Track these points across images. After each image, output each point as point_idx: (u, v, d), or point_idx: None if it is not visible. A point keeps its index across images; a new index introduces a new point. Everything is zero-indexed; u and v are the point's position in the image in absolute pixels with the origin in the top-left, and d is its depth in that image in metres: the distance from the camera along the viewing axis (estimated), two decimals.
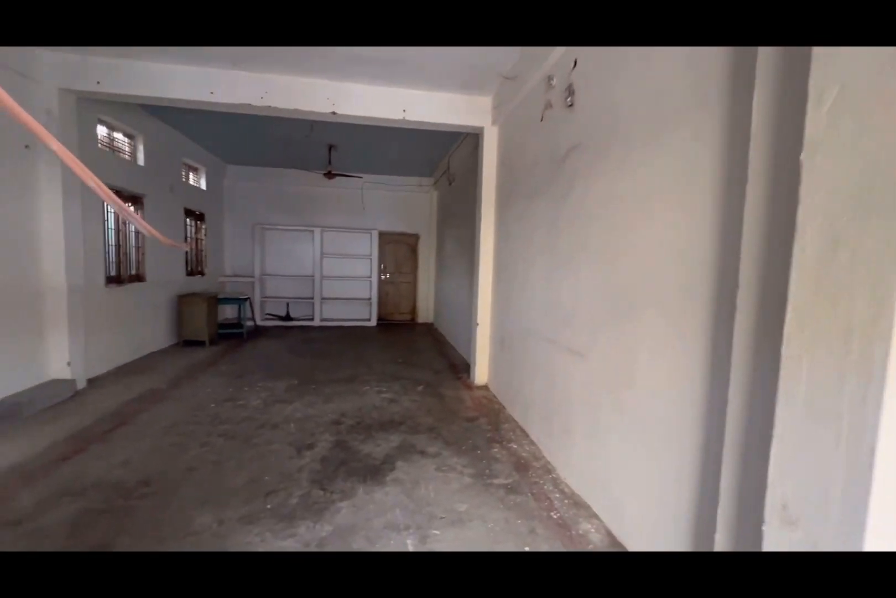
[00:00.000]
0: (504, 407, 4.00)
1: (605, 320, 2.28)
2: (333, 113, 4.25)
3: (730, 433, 1.28)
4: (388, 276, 9.14)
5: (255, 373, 4.99)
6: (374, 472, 2.75)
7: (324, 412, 3.79)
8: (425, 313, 9.35)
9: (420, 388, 4.55)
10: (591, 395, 2.40)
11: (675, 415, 1.72)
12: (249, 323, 7.72)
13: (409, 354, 6.27)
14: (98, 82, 3.78)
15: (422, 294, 9.34)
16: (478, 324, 4.60)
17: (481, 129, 4.57)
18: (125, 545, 2.03)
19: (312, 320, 8.52)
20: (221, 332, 6.80)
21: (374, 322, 8.71)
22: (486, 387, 4.63)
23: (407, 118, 4.39)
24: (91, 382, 4.40)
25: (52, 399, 3.79)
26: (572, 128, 2.73)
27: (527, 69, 3.39)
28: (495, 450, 3.11)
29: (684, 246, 1.71)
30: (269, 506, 2.35)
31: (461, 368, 5.42)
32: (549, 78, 3.09)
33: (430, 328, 8.71)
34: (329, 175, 6.60)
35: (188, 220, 6.83)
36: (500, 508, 2.39)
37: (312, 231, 8.49)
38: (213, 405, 3.90)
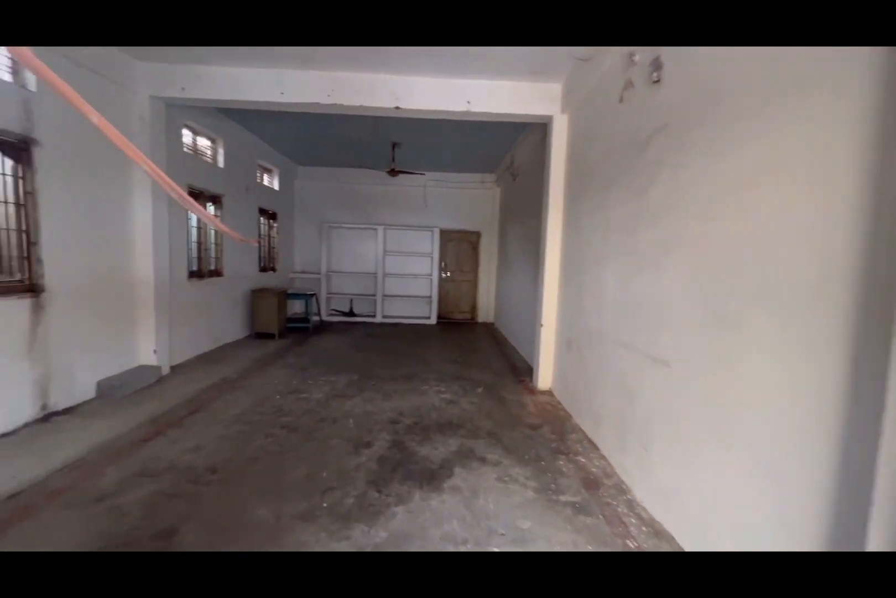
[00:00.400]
0: (570, 415, 3.72)
1: (698, 326, 1.97)
2: (397, 108, 4.20)
3: (886, 467, 0.99)
4: (448, 274, 9.07)
5: (319, 367, 5.11)
6: (431, 477, 2.64)
7: (382, 410, 3.76)
8: (485, 312, 9.17)
9: (480, 390, 4.39)
10: (678, 409, 2.10)
11: (798, 439, 1.41)
12: (315, 318, 8.00)
13: (468, 353, 6.13)
14: (183, 88, 4.03)
15: (482, 293, 9.16)
16: (542, 325, 4.34)
17: (549, 118, 4.30)
18: (189, 530, 2.08)
19: (374, 316, 8.67)
20: (290, 325, 7.10)
21: (433, 320, 8.68)
22: (549, 392, 4.36)
23: (471, 110, 4.24)
24: (174, 368, 4.73)
25: (140, 383, 4.11)
26: (658, 106, 2.42)
27: (604, 48, 3.09)
28: (561, 462, 2.87)
29: (812, 236, 1.39)
30: (325, 504, 2.32)
31: (523, 370, 5.18)
32: (631, 54, 2.79)
33: (490, 328, 8.52)
34: (392, 173, 6.63)
35: (262, 218, 7.21)
36: (568, 529, 2.16)
37: (376, 229, 8.63)
38: (278, 397, 4.02)
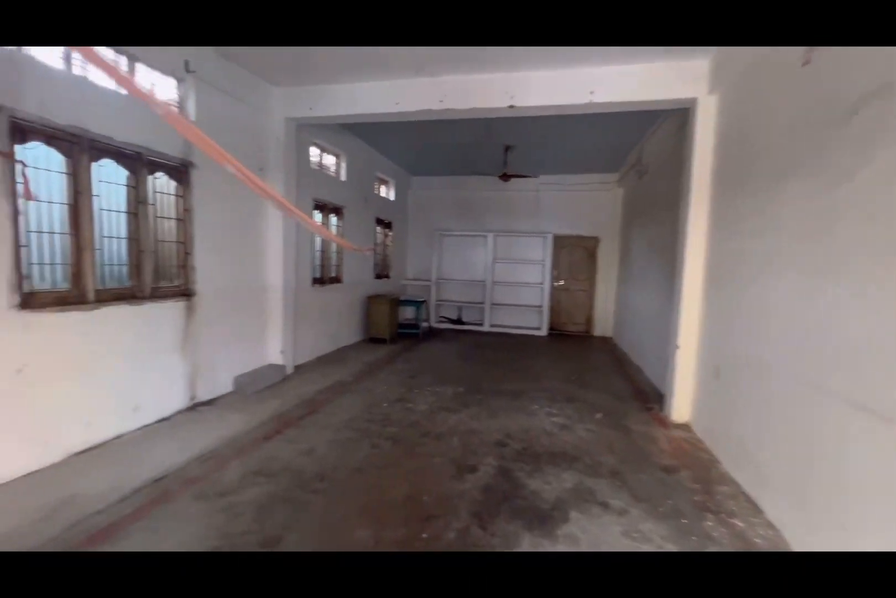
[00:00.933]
0: (717, 460, 3.02)
1: None
2: (511, 106, 3.95)
3: None
4: (561, 282, 8.50)
5: (426, 375, 5.07)
6: (543, 519, 2.29)
7: (488, 429, 3.50)
8: (603, 324, 8.37)
9: (599, 416, 3.87)
10: None
11: None
12: (425, 324, 8.12)
13: (584, 371, 5.56)
14: (310, 108, 4.33)
15: (600, 304, 8.39)
16: (678, 346, 3.66)
17: (692, 101, 3.65)
18: (292, 541, 2.06)
19: (482, 324, 8.50)
20: (401, 331, 7.28)
21: (544, 331, 8.19)
22: (687, 426, 3.65)
23: (594, 101, 3.80)
24: (297, 368, 5.09)
25: (268, 381, 4.47)
26: (871, 60, 1.77)
27: None
28: (709, 523, 2.28)
29: None
30: (425, 535, 2.13)
31: (651, 396, 4.48)
32: None
33: (608, 343, 7.73)
34: (504, 177, 6.40)
35: (378, 228, 7.55)
36: None
37: (485, 236, 8.48)
38: (385, 405, 4.02)
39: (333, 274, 6.11)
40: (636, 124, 5.23)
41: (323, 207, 5.65)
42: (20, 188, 2.43)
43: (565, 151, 6.55)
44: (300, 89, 4.33)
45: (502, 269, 8.57)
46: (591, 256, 8.41)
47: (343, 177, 6.15)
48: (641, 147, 6.03)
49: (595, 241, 8.35)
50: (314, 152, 5.49)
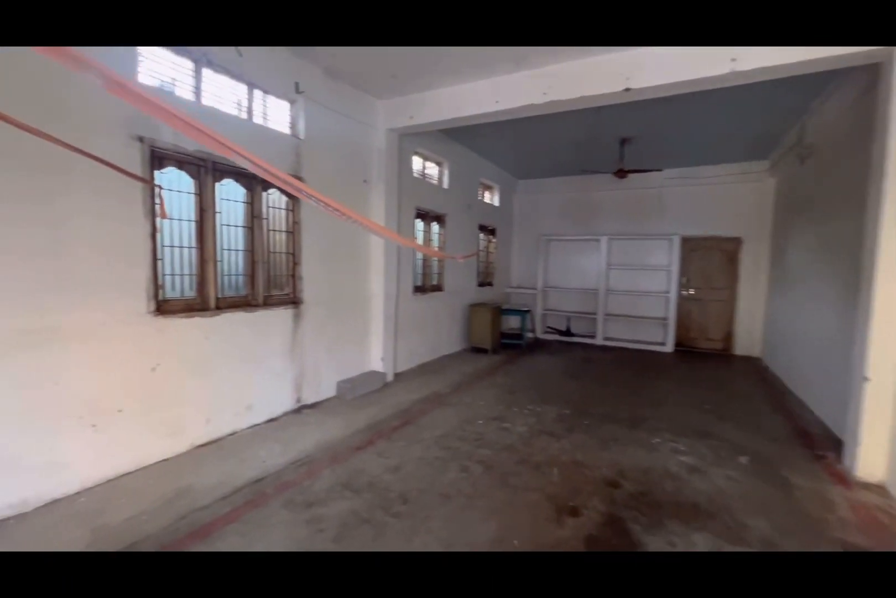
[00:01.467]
0: None
1: None
2: (626, 90, 3.43)
3: None
4: (691, 291, 7.34)
5: (527, 391, 4.68)
6: None
7: (596, 463, 3.00)
8: (747, 342, 6.98)
9: (744, 460, 3.08)
10: None
11: None
12: (529, 335, 7.68)
13: (722, 399, 4.61)
14: (411, 117, 4.33)
15: (743, 317, 7.02)
16: (868, 378, 2.72)
17: (889, 52, 2.73)
18: None
19: (594, 337, 7.75)
20: (504, 342, 6.97)
21: (669, 348, 7.13)
22: (881, 489, 2.68)
23: (737, 69, 3.09)
24: (397, 376, 5.12)
25: (368, 388, 4.54)
26: None
27: None
28: None
29: None
30: None
31: (821, 441, 3.47)
32: None
33: (755, 365, 6.39)
34: (621, 174, 5.72)
35: (481, 234, 7.38)
36: None
37: (598, 240, 7.74)
38: (480, 422, 3.76)
39: (435, 282, 6.08)
40: (795, 95, 4.21)
41: (425, 215, 5.66)
42: (157, 209, 2.75)
43: (695, 138, 5.62)
44: (401, 99, 4.37)
45: (618, 276, 7.73)
46: (732, 260, 7.10)
47: (445, 184, 6.12)
48: (803, 124, 4.87)
49: (736, 242, 7.03)
50: (417, 161, 5.55)
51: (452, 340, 6.56)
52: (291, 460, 3.01)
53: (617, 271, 7.72)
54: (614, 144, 5.80)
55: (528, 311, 7.11)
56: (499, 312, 6.78)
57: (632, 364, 6.18)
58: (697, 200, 7.13)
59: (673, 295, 7.11)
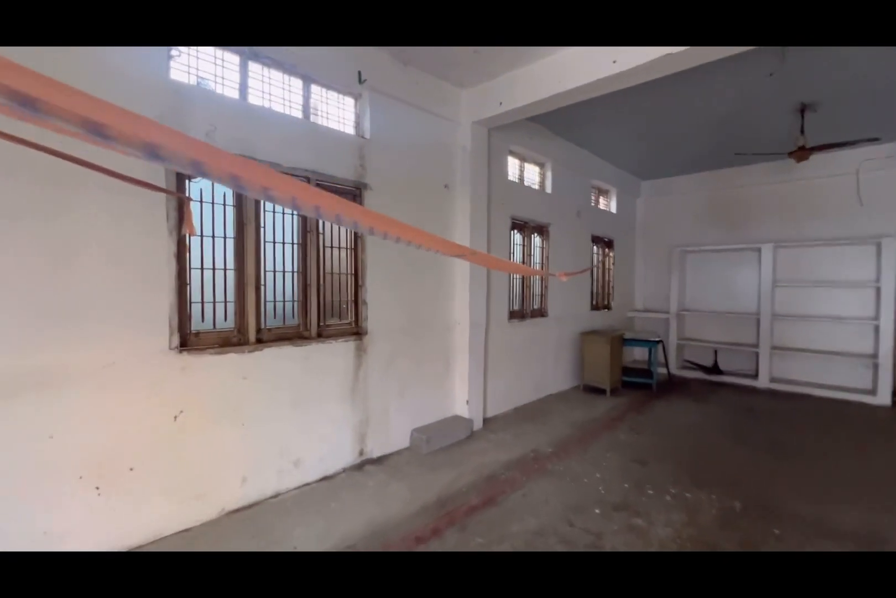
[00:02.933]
0: None
1: None
2: None
3: None
4: None
5: (666, 460, 3.32)
6: None
7: None
8: None
9: None
10: None
11: None
12: (661, 370, 6.08)
13: None
14: (500, 103, 3.49)
15: None
16: None
17: None
18: None
19: (755, 377, 5.82)
20: (627, 379, 5.54)
21: (884, 398, 4.93)
22: None
23: None
24: (487, 422, 4.14)
25: (450, 438, 3.64)
26: None
27: None
28: None
29: None
30: None
31: None
32: None
33: None
34: (801, 153, 4.06)
35: (594, 247, 6.13)
36: None
37: (758, 249, 5.90)
38: (596, 511, 2.59)
39: (537, 306, 5.03)
40: None
41: (523, 226, 4.72)
42: (177, 223, 2.30)
43: None
44: (488, 85, 3.58)
45: (790, 296, 5.75)
46: None
47: (549, 189, 5.11)
48: None
49: None
50: (512, 163, 4.67)
51: (560, 376, 5.37)
52: (328, 548, 2.24)
53: (787, 290, 5.76)
54: (786, 115, 4.22)
55: (658, 341, 5.58)
56: (620, 342, 5.41)
57: (826, 422, 4.28)
58: None
59: (887, 322, 4.95)
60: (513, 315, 4.61)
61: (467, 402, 3.86)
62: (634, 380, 5.58)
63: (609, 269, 6.49)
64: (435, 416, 3.79)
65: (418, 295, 3.58)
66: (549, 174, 5.12)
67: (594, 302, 6.13)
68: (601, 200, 6.45)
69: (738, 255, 6.20)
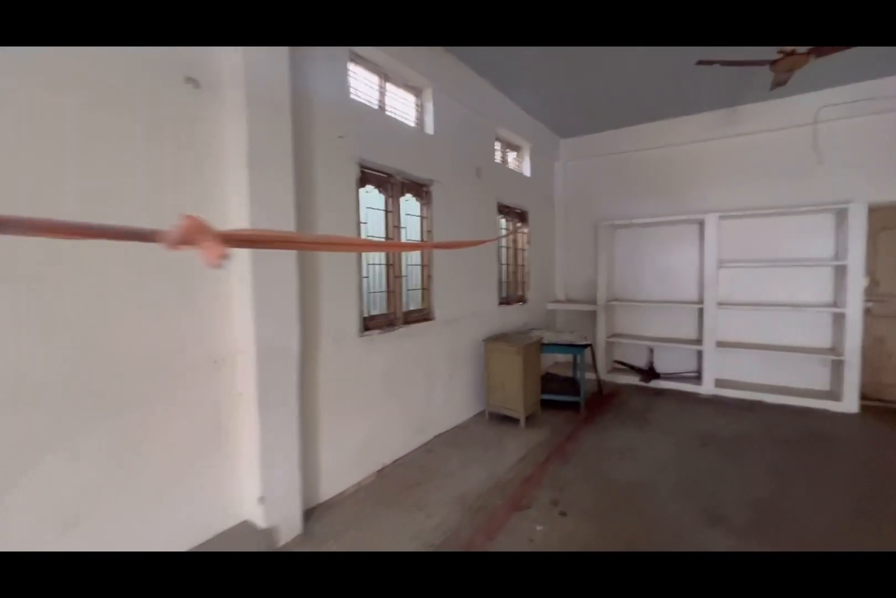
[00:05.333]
0: None
1: None
2: None
3: None
4: (881, 302, 4.14)
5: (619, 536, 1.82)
6: None
7: None
8: None
9: None
10: None
11: None
12: (590, 376, 4.77)
13: None
14: None
15: None
16: None
17: None
18: None
19: (698, 380, 4.71)
20: (547, 397, 4.10)
21: (850, 405, 3.97)
22: None
23: None
24: (315, 517, 2.40)
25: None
26: None
27: None
28: None
29: None
30: None
31: None
32: None
33: None
34: (790, 61, 2.63)
35: (504, 220, 4.57)
36: None
37: (700, 221, 4.72)
38: None
39: (415, 306, 3.35)
40: None
41: (384, 181, 2.95)
42: None
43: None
44: None
45: (737, 279, 4.66)
46: None
47: (429, 128, 3.39)
48: None
49: None
50: (363, 76, 2.85)
51: (456, 403, 3.78)
52: None
53: (735, 272, 4.66)
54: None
55: (586, 345, 4.18)
56: (537, 350, 3.94)
57: (803, 454, 3.12)
58: (892, 136, 3.97)
59: (852, 310, 3.95)
60: (370, 325, 2.87)
61: (261, 499, 2.07)
62: (557, 398, 4.16)
63: (523, 249, 4.99)
64: (201, 529, 1.96)
65: (113, 313, 1.68)
66: (429, 106, 3.38)
67: (504, 294, 4.60)
68: (511, 157, 4.88)
69: (677, 229, 5.00)
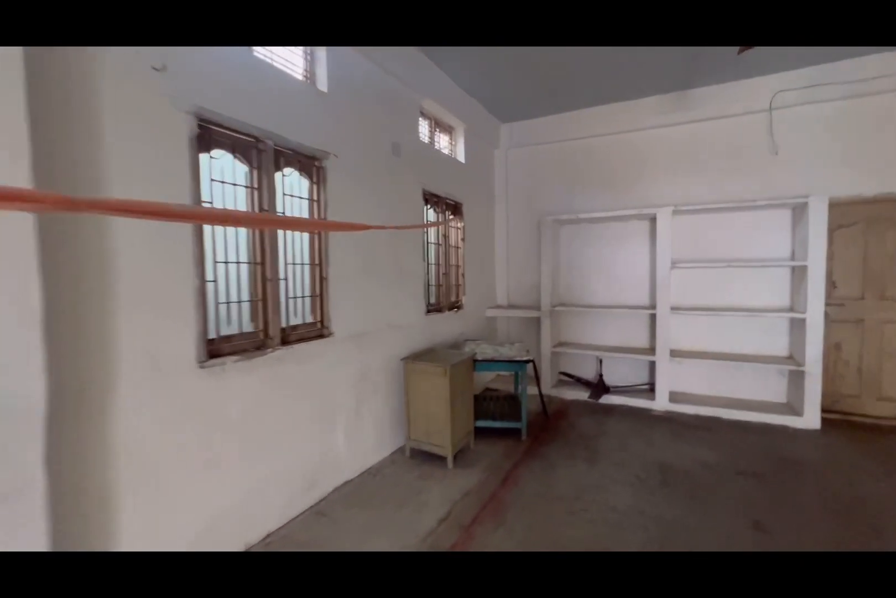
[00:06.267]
0: None
1: None
2: None
3: None
4: (841, 305, 3.83)
5: None
6: None
7: None
8: None
9: None
10: None
11: None
12: (531, 390, 4.15)
13: None
14: None
15: None
16: None
17: None
18: None
19: (651, 392, 4.22)
20: (482, 424, 3.41)
21: (814, 419, 3.59)
22: None
23: None
24: None
25: None
26: None
27: None
28: None
29: None
30: None
31: None
32: None
33: None
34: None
35: (432, 210, 3.84)
36: None
37: (652, 217, 4.25)
38: None
39: (298, 319, 2.51)
40: None
41: (248, 148, 2.10)
42: None
43: None
44: None
45: (688, 281, 4.23)
46: None
47: (322, 84, 2.57)
48: None
49: None
50: None
51: (364, 442, 2.96)
52: None
53: (688, 274, 4.22)
54: None
55: (527, 361, 3.53)
56: (468, 370, 3.23)
57: (778, 481, 2.62)
58: (850, 125, 3.65)
59: (814, 316, 3.58)
60: (220, 349, 2.00)
61: None
62: (493, 426, 3.47)
63: (457, 247, 4.29)
64: None
65: None
66: (321, 56, 2.57)
67: (434, 300, 3.87)
68: (441, 139, 4.16)
69: (627, 226, 4.50)
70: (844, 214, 3.76)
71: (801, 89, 3.70)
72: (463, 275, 4.31)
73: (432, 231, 3.82)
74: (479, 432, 3.44)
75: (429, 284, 3.68)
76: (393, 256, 3.17)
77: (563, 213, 4.61)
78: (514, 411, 3.63)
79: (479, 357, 3.39)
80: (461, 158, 4.33)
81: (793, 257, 3.84)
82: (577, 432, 3.62)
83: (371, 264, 2.93)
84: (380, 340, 3.04)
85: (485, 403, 3.84)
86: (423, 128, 3.75)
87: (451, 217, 4.18)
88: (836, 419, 3.74)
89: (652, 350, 4.25)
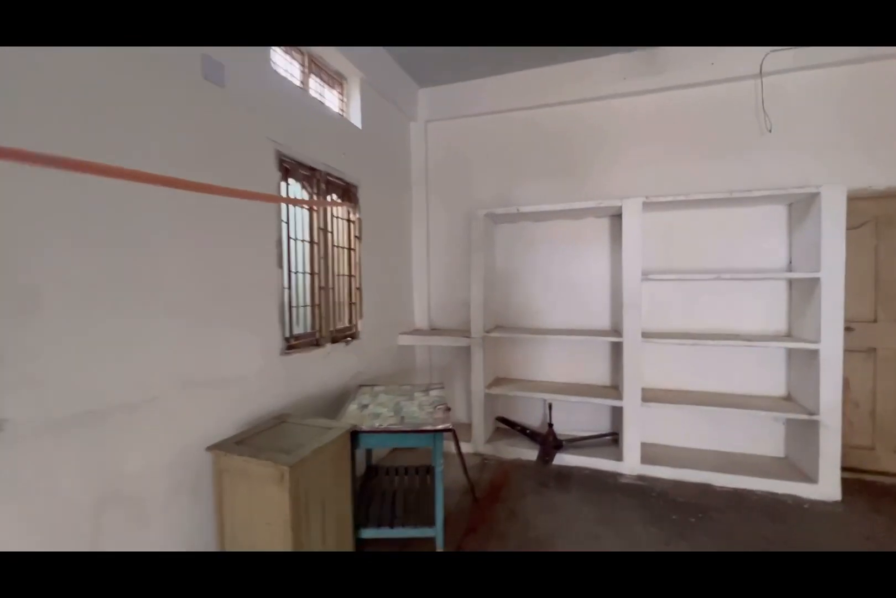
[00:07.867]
0: None
1: None
2: None
3: None
4: (849, 329, 2.97)
5: None
6: None
7: None
8: None
9: None
10: None
11: None
12: (458, 459, 2.88)
13: None
14: None
15: None
16: None
17: None
18: None
19: (617, 448, 3.13)
20: (370, 535, 2.07)
21: (833, 488, 2.65)
22: None
23: None
24: None
25: None
26: None
27: None
28: None
29: None
30: None
31: None
32: None
33: None
34: None
35: (300, 189, 2.48)
36: None
37: (615, 213, 3.21)
38: None
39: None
40: None
41: None
42: None
43: None
44: None
45: (665, 296, 3.22)
46: None
47: None
48: None
49: None
50: None
51: None
52: None
53: (660, 286, 3.21)
54: None
55: (446, 429, 2.25)
56: (337, 457, 1.90)
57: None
58: (861, 96, 2.83)
59: (831, 346, 2.65)
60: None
61: None
62: (390, 536, 2.13)
63: (351, 249, 2.95)
64: None
65: None
66: None
67: (304, 330, 2.49)
68: (329, 95, 2.83)
69: (583, 225, 3.43)
70: (850, 213, 2.91)
71: (797, 50, 2.85)
72: (359, 289, 2.97)
73: (300, 219, 2.45)
74: (369, 546, 2.11)
75: (287, 306, 2.29)
76: (204, 260, 1.78)
77: (499, 205, 3.46)
78: (424, 502, 2.33)
79: (362, 428, 2.05)
80: (356, 121, 3.03)
81: (789, 267, 2.95)
82: (519, 526, 2.39)
83: (136, 274, 1.52)
84: (165, 413, 1.62)
85: (375, 493, 2.49)
86: (284, 61, 2.41)
87: (349, 207, 2.85)
88: (849, 480, 2.84)
89: (616, 389, 3.18)
